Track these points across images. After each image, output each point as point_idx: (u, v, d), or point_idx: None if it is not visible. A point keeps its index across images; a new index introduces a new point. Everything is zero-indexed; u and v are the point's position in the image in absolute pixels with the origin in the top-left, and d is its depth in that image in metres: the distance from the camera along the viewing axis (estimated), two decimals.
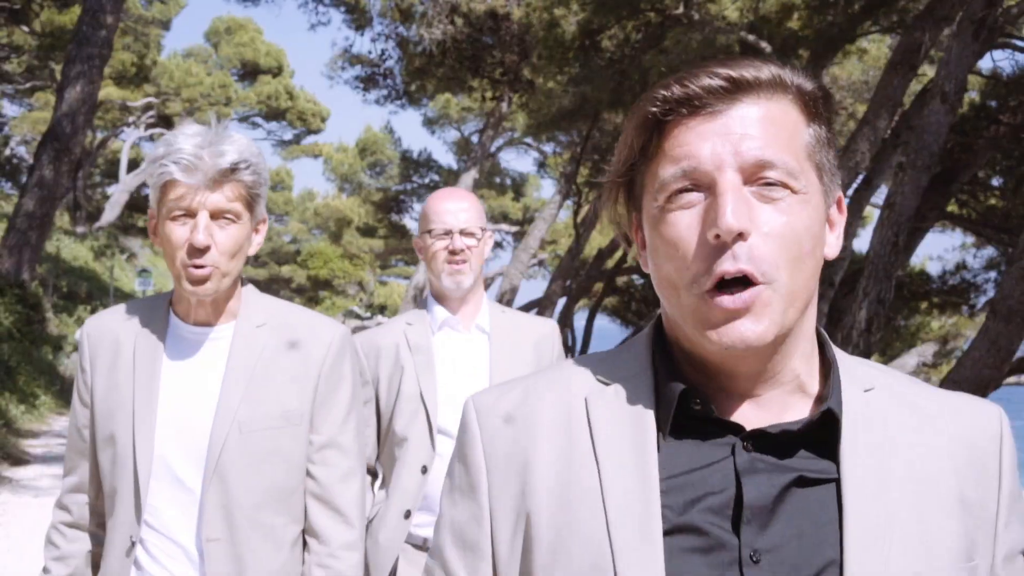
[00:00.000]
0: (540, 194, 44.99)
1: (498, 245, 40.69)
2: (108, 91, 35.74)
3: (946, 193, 13.33)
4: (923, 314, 19.06)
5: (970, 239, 18.72)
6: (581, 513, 1.22)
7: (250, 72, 44.92)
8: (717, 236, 1.15)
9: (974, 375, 7.60)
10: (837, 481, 1.19)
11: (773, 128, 1.20)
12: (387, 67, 22.31)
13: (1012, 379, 17.20)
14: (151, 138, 43.86)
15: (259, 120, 46.48)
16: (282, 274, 58.88)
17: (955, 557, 1.20)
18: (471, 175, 25.68)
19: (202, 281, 2.36)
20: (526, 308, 26.84)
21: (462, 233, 3.35)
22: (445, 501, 1.36)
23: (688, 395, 1.22)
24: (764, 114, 1.20)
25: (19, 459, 11.25)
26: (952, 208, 15.22)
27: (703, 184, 1.19)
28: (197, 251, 2.34)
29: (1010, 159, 14.02)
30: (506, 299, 24.21)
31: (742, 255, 1.16)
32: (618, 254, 24.90)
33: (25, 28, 31.76)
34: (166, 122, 42.36)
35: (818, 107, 1.25)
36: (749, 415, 1.23)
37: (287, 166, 59.48)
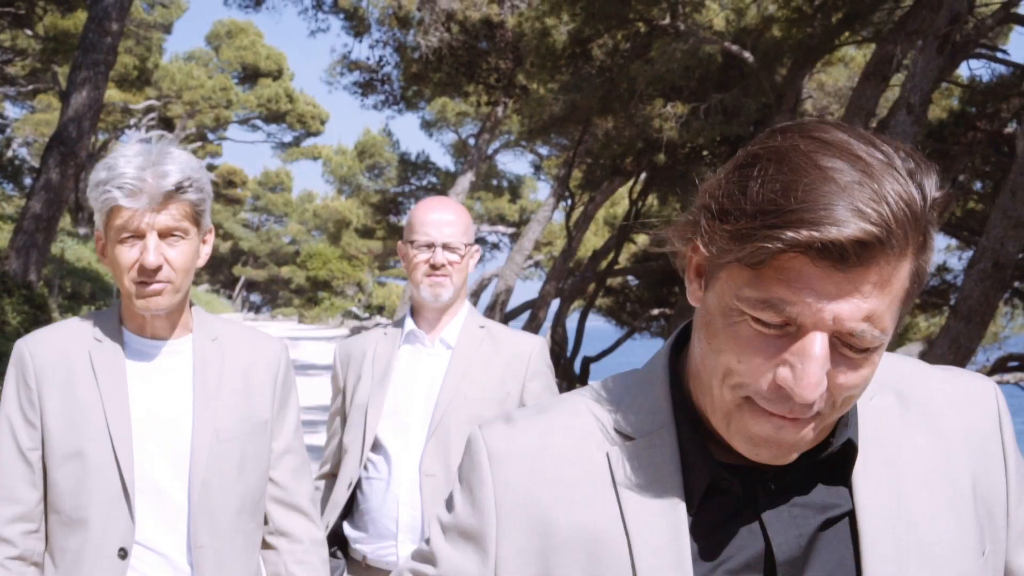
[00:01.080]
0: (537, 196, 45.36)
1: (495, 247, 41.01)
2: (110, 94, 36.08)
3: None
4: (911, 315, 19.47)
5: (954, 241, 19.13)
6: None
7: (251, 75, 45.30)
8: (783, 389, 1.06)
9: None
10: (852, 512, 1.16)
11: (885, 295, 1.04)
12: (385, 73, 22.75)
13: (1008, 377, 17.63)
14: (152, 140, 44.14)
15: (259, 123, 46.86)
16: (281, 275, 59.19)
17: (972, 554, 1.17)
18: (468, 177, 26.03)
19: (155, 296, 2.38)
20: (520, 309, 27.18)
21: (445, 247, 3.27)
22: (440, 536, 1.30)
23: (720, 474, 1.16)
24: (881, 279, 1.03)
25: None
26: None
27: (789, 323, 1.06)
28: (149, 271, 2.36)
29: (988, 164, 14.48)
30: (501, 300, 24.59)
31: (800, 410, 1.07)
32: (611, 255, 25.29)
33: (28, 32, 32.08)
34: (167, 124, 42.73)
35: (929, 232, 1.05)
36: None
37: (287, 168, 59.88)
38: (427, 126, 38.78)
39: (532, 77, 15.88)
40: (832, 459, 1.15)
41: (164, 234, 2.37)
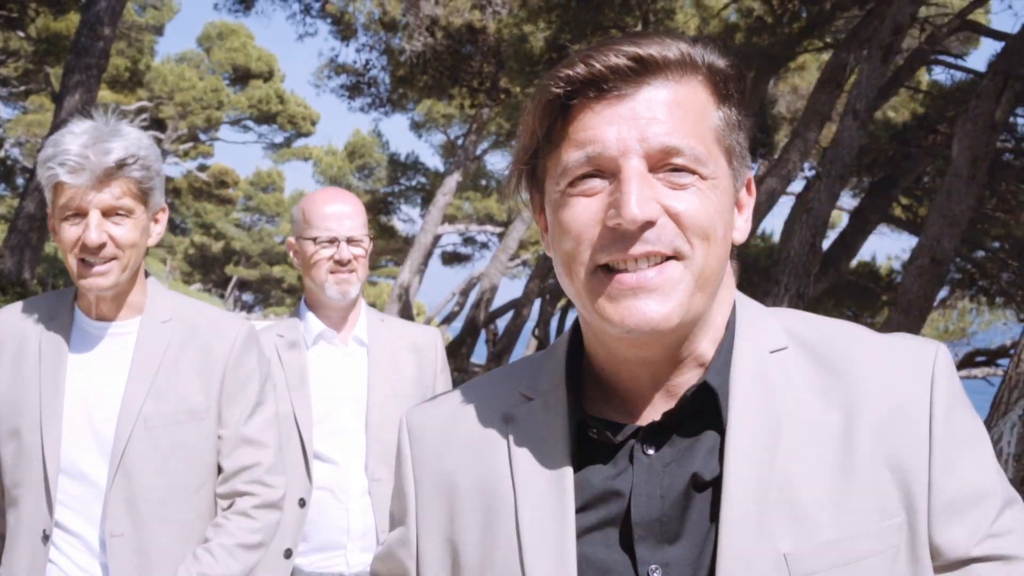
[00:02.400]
0: (525, 196, 45.48)
1: (483, 246, 41.37)
2: (102, 95, 36.33)
3: (888, 198, 14.28)
4: (878, 310, 19.98)
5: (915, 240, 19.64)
6: (499, 542, 1.19)
7: (241, 76, 45.58)
8: (619, 224, 1.10)
9: None
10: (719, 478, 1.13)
11: (681, 112, 1.13)
12: (371, 76, 23.23)
13: (976, 372, 18.11)
14: None
15: (250, 123, 47.14)
16: (273, 274, 59.40)
17: (867, 517, 1.12)
18: (456, 177, 26.40)
19: (98, 276, 2.33)
20: (504, 309, 27.53)
21: (349, 242, 3.13)
22: (389, 525, 1.36)
23: (586, 423, 1.18)
24: (672, 97, 1.13)
25: None
26: (899, 212, 16.19)
27: (607, 170, 1.12)
28: (91, 249, 2.31)
29: (947, 165, 15.02)
30: (486, 298, 24.98)
31: (651, 238, 1.10)
32: None
33: (21, 33, 32.44)
34: (159, 125, 43.04)
35: (729, 88, 1.18)
36: (656, 408, 1.18)
37: (278, 168, 60.12)
38: (416, 127, 39.15)
39: (512, 81, 16.33)
40: (699, 409, 1.15)
41: (108, 212, 2.32)
